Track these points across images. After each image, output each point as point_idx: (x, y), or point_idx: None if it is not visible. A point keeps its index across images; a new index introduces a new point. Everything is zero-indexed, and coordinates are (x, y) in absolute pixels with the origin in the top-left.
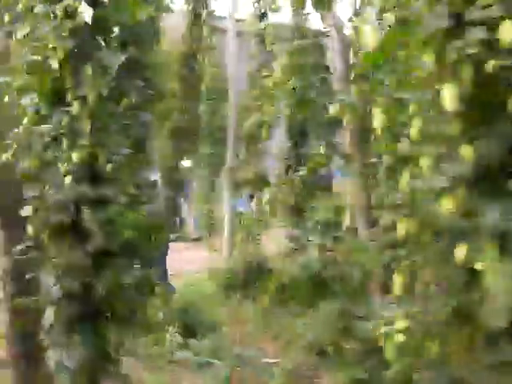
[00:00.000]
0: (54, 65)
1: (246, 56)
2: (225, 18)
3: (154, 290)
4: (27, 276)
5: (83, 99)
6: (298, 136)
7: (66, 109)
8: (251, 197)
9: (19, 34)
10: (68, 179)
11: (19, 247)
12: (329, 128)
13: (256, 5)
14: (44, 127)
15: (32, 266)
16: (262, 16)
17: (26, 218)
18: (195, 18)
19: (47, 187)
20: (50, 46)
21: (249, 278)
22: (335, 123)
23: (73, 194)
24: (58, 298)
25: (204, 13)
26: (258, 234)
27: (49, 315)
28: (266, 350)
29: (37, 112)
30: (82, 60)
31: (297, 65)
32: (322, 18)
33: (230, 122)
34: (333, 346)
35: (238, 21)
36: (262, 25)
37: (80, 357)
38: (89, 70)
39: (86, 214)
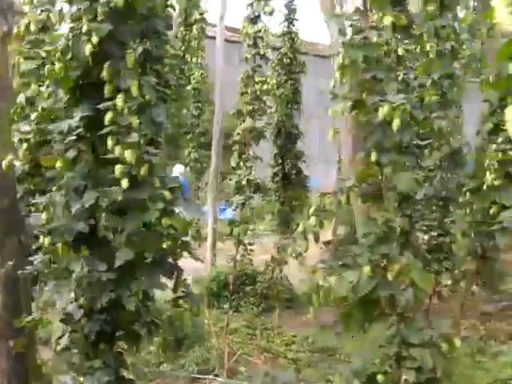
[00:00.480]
0: (86, 51)
1: (238, 61)
2: (215, 25)
3: (177, 303)
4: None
5: (126, 92)
6: (285, 141)
7: (106, 103)
8: (243, 204)
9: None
10: (125, 182)
11: (32, 258)
12: (379, 131)
13: (249, 8)
14: (65, 124)
15: (43, 279)
16: (256, 19)
17: (21, 224)
18: (185, 19)
19: (63, 192)
20: (84, 29)
21: (236, 288)
22: (385, 126)
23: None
24: (78, 317)
25: (195, 14)
26: (250, 243)
27: (59, 335)
28: (255, 363)
29: (50, 108)
30: (117, 48)
31: (354, 62)
32: (328, 28)
33: (215, 127)
34: (383, 375)
35: (227, 29)
36: (256, 28)
37: (102, 382)
38: (131, 59)
39: (116, 222)
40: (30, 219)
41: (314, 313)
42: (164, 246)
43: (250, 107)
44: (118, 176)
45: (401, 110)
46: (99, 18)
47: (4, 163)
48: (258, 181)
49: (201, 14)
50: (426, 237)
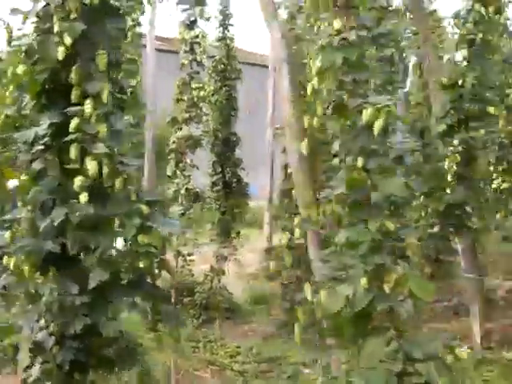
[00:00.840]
0: (59, 53)
1: (167, 70)
2: (144, 34)
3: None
4: None
5: (96, 97)
6: (223, 149)
7: (73, 108)
8: (182, 214)
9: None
10: (84, 197)
11: None
12: (364, 135)
13: (185, 13)
14: (31, 132)
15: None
16: (192, 24)
17: None
18: None
19: (30, 207)
20: (56, 29)
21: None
22: (370, 130)
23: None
24: (49, 346)
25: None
26: (189, 254)
27: (26, 364)
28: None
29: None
30: (89, 50)
31: (333, 65)
32: (269, 28)
33: (147, 136)
34: None
35: (156, 38)
36: (193, 33)
37: None
38: (103, 61)
39: (89, 240)
40: None
41: (299, 333)
42: (141, 265)
43: (187, 115)
44: (76, 189)
45: (385, 112)
46: (72, 17)
47: None
48: (197, 190)
49: (133, 20)
50: None
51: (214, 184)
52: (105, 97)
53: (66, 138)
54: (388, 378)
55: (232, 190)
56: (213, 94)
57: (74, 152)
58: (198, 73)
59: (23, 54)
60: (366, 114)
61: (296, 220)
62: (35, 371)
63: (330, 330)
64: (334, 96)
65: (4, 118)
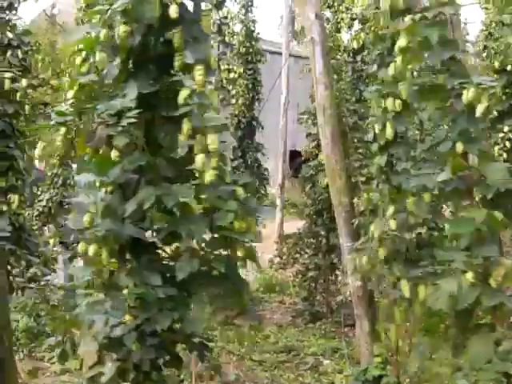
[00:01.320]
0: (172, 11)
1: None
2: None
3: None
4: None
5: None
6: (246, 133)
7: (183, 77)
8: None
9: None
10: (211, 175)
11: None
12: (463, 118)
13: None
14: (118, 103)
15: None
16: (220, 4)
17: None
18: None
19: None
20: None
21: None
22: (471, 112)
23: None
24: (130, 343)
25: None
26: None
27: (93, 361)
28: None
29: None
30: (188, 11)
31: (421, 43)
32: (301, 16)
33: None
34: None
35: None
36: (221, 14)
37: None
38: (208, 22)
39: (183, 227)
40: (67, 222)
41: (398, 332)
42: (239, 253)
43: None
44: (199, 168)
45: (487, 93)
46: None
47: (36, 152)
48: None
49: None
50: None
51: (234, 169)
52: (213, 62)
53: (180, 111)
54: (498, 379)
55: (252, 175)
56: (238, 77)
57: (186, 127)
58: (225, 54)
59: (120, 14)
60: (468, 94)
61: (390, 209)
62: (109, 370)
63: (427, 327)
64: (422, 76)
65: (78, 88)
